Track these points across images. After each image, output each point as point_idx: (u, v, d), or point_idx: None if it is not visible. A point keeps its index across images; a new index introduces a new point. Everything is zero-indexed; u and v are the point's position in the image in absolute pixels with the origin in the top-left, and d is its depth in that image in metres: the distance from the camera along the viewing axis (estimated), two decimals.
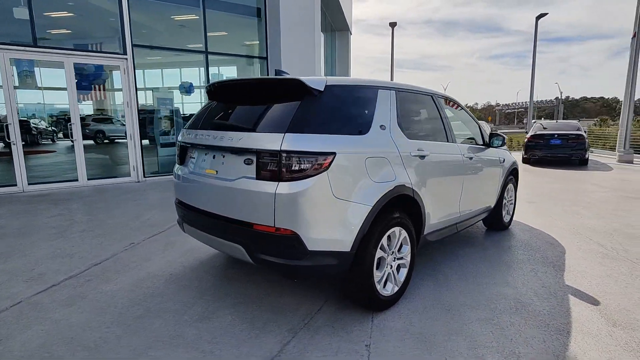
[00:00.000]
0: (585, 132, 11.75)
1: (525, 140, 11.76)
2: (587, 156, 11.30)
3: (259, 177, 2.25)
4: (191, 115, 9.70)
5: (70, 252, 3.70)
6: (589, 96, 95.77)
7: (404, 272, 2.79)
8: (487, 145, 4.03)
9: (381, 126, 2.66)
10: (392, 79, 17.21)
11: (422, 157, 2.93)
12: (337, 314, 2.58)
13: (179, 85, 9.02)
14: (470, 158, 3.62)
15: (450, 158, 3.36)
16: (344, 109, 2.48)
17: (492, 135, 4.06)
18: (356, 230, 2.36)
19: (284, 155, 2.15)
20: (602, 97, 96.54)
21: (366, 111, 2.64)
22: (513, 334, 2.35)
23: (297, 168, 2.17)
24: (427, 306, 2.70)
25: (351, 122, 2.50)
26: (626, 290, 2.95)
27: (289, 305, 2.71)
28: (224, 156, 2.51)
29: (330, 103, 2.39)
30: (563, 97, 76.95)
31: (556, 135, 11.08)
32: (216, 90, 2.92)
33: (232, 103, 2.78)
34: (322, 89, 2.38)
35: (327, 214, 2.27)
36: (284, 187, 2.16)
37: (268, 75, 9.45)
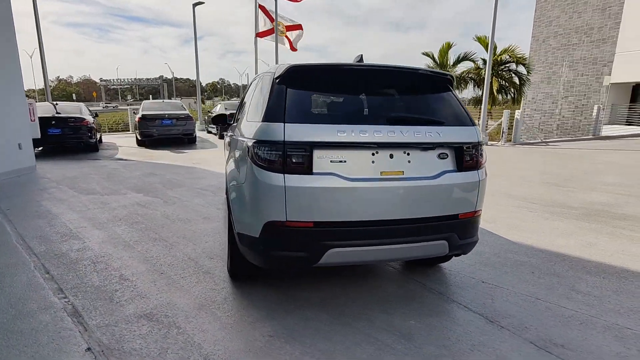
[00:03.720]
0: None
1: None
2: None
3: (461, 169, 2.39)
4: None
5: None
6: (177, 77, 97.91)
7: None
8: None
9: None
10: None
11: None
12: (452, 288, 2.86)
13: None
14: None
15: None
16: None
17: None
18: None
19: (480, 146, 2.49)
20: (189, 79, 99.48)
21: None
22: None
23: (484, 155, 2.55)
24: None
25: None
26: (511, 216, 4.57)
27: (407, 301, 2.69)
28: (407, 153, 2.33)
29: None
30: (167, 77, 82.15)
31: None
32: (338, 75, 2.54)
33: (372, 92, 2.58)
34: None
35: None
36: (482, 174, 2.50)
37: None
